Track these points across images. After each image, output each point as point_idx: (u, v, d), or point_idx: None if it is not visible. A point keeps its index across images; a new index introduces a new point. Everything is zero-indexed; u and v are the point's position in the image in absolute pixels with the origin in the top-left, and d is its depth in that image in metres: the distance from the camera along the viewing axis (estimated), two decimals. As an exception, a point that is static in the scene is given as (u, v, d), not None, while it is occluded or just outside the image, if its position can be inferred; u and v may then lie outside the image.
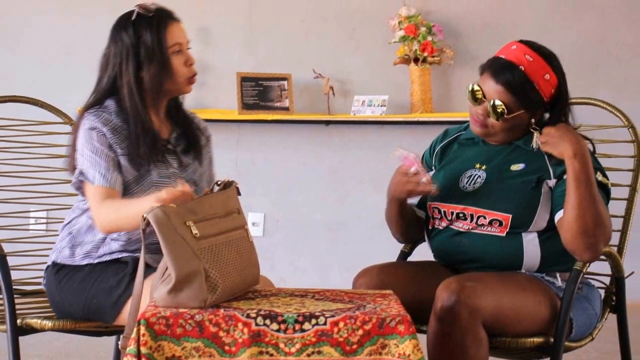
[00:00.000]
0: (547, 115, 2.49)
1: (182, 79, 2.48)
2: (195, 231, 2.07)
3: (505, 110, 2.42)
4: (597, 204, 2.34)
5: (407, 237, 2.69)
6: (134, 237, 2.45)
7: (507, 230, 2.43)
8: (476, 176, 2.50)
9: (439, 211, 2.53)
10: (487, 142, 2.54)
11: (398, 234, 2.67)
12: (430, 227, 2.58)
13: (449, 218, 2.50)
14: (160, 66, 2.43)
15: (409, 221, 2.64)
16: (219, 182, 2.22)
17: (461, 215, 2.48)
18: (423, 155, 2.69)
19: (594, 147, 2.50)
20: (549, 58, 2.44)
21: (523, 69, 2.41)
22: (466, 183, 2.50)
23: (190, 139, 2.57)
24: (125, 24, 2.46)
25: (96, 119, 2.42)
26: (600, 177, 2.42)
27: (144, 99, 2.45)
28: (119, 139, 2.43)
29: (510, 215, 2.42)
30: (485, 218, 2.44)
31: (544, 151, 2.42)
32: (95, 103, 2.48)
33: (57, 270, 2.51)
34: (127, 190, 2.44)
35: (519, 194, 2.39)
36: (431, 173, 2.61)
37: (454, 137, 2.65)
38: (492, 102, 2.43)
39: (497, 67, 2.43)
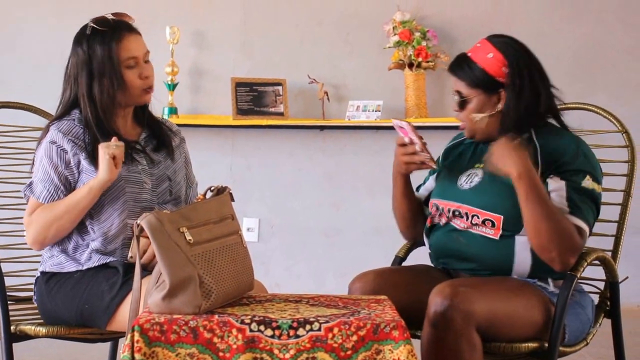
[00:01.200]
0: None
1: (136, 91, 2.53)
2: (189, 237, 2.07)
3: (461, 96, 2.49)
4: (552, 219, 2.33)
5: (412, 226, 2.68)
6: (109, 234, 2.49)
7: (500, 232, 2.44)
8: (474, 175, 2.52)
9: (437, 208, 2.54)
10: (487, 144, 2.56)
11: (402, 219, 2.67)
12: (429, 225, 2.59)
13: (447, 215, 2.52)
14: (111, 80, 2.49)
15: (414, 206, 2.64)
16: (212, 188, 2.23)
17: (457, 213, 2.49)
18: (438, 159, 2.70)
19: (588, 148, 2.50)
20: (498, 42, 2.50)
21: (469, 55, 2.51)
22: (464, 182, 2.53)
23: (159, 138, 2.62)
24: (80, 38, 2.54)
25: (58, 130, 2.50)
26: (588, 181, 2.42)
27: (103, 108, 2.50)
28: (81, 147, 2.49)
29: (502, 217, 2.42)
30: (478, 217, 2.45)
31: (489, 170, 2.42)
32: (62, 115, 2.56)
33: (47, 279, 2.52)
34: None
35: (511, 195, 2.39)
36: (435, 174, 2.64)
37: (461, 139, 2.68)
38: (453, 96, 2.52)
39: (452, 62, 2.55)
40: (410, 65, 4.70)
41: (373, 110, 4.69)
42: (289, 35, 4.89)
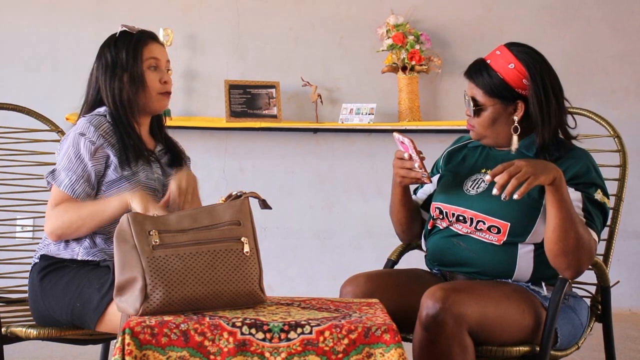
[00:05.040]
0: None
1: (154, 93, 2.59)
2: (155, 240, 2.07)
3: (477, 103, 2.48)
4: (580, 226, 2.34)
5: (408, 230, 2.69)
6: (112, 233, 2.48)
7: (504, 239, 2.44)
8: (480, 181, 2.52)
9: (441, 211, 2.54)
10: (493, 149, 2.56)
11: (398, 224, 2.68)
12: (429, 227, 2.60)
13: (450, 219, 2.52)
14: (132, 78, 2.56)
15: (411, 212, 2.65)
16: (233, 194, 2.23)
17: (461, 217, 2.49)
18: (436, 162, 2.70)
19: (596, 163, 2.51)
20: (519, 52, 2.47)
21: (489, 62, 2.49)
22: (470, 187, 2.52)
23: (173, 154, 2.70)
24: (109, 41, 2.62)
25: (89, 123, 2.53)
26: (599, 195, 2.44)
27: (126, 112, 2.57)
28: (110, 142, 2.52)
29: (509, 224, 2.42)
30: (484, 223, 2.45)
31: (521, 193, 2.27)
32: (90, 110, 2.61)
33: (42, 277, 2.51)
34: (116, 186, 2.52)
35: (521, 202, 2.38)
36: (436, 177, 2.65)
37: (463, 143, 2.68)
38: (466, 99, 2.50)
39: (470, 67, 2.52)
40: (404, 69, 4.71)
41: (366, 114, 4.70)
42: (283, 38, 4.89)
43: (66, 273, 2.49)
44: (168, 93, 2.64)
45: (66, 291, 2.46)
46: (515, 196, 2.25)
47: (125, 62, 2.56)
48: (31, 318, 2.62)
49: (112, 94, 2.57)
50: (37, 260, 2.56)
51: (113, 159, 2.51)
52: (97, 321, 2.39)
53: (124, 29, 2.61)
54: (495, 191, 2.26)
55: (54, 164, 2.57)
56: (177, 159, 2.69)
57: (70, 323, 2.48)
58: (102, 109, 2.59)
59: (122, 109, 2.57)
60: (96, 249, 2.50)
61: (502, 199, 2.27)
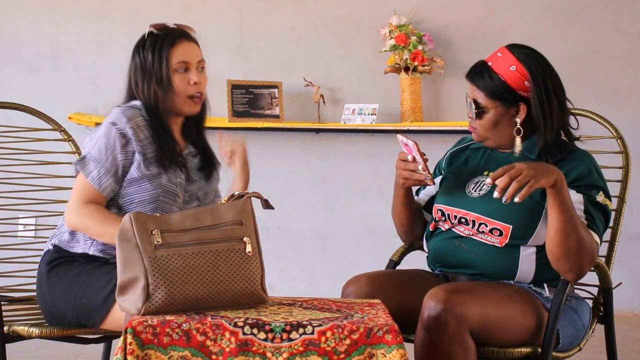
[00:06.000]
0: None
1: (181, 96, 2.57)
2: (157, 240, 2.07)
3: (479, 106, 2.47)
4: (581, 229, 2.33)
5: (410, 231, 2.69)
6: None
7: (507, 241, 2.44)
8: (482, 183, 2.51)
9: (443, 213, 2.54)
10: (495, 150, 2.56)
11: (400, 225, 2.68)
12: (431, 229, 2.60)
13: (452, 221, 2.52)
14: (159, 82, 2.54)
15: (413, 214, 2.65)
16: (235, 194, 2.23)
17: (463, 220, 2.49)
18: (438, 163, 2.70)
19: (598, 165, 2.50)
20: (521, 54, 2.47)
21: (490, 64, 2.48)
22: (472, 189, 2.52)
23: (205, 158, 2.67)
24: (139, 43, 2.60)
25: (123, 114, 2.52)
26: (601, 197, 2.43)
27: (160, 113, 2.56)
28: (139, 138, 2.51)
29: (511, 226, 2.42)
30: (486, 226, 2.45)
31: (522, 196, 2.26)
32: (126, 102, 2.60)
33: (50, 269, 2.51)
34: (137, 184, 2.51)
35: (522, 204, 2.38)
36: (438, 178, 2.65)
37: (466, 145, 2.68)
38: (467, 101, 2.49)
39: (472, 69, 2.52)
40: (406, 69, 4.71)
41: (368, 114, 4.70)
42: (285, 38, 4.89)
43: (73, 267, 2.49)
44: (199, 95, 2.60)
45: (72, 285, 2.46)
46: (516, 199, 2.25)
47: (152, 65, 2.55)
48: (33, 317, 2.63)
49: (144, 96, 2.56)
50: (50, 247, 2.56)
51: (137, 157, 2.50)
52: (103, 318, 2.39)
53: (152, 29, 2.58)
54: (496, 194, 2.26)
55: (56, 163, 2.57)
56: (207, 164, 2.66)
57: (75, 319, 2.49)
58: (137, 102, 2.57)
59: (156, 109, 2.55)
60: (109, 246, 2.49)
61: (503, 202, 2.27)
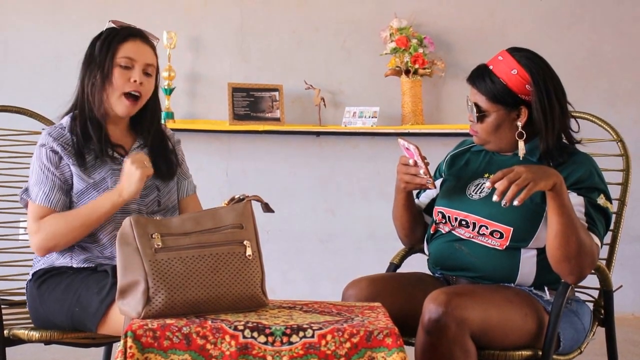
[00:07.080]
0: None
1: (118, 92, 2.51)
2: (158, 244, 2.07)
3: (480, 109, 2.47)
4: (581, 231, 2.33)
5: (411, 234, 2.69)
6: (100, 243, 2.50)
7: (507, 244, 2.43)
8: (483, 185, 2.51)
9: (443, 216, 2.54)
10: (496, 153, 2.56)
11: (401, 228, 2.68)
12: (432, 232, 2.60)
13: (453, 224, 2.51)
14: (100, 71, 2.50)
15: (413, 217, 2.65)
16: (235, 197, 2.23)
17: (464, 222, 2.49)
18: (438, 165, 2.70)
19: (599, 167, 2.50)
20: (522, 58, 2.47)
21: (491, 67, 2.48)
22: (473, 191, 2.52)
23: (157, 149, 2.58)
24: (95, 37, 2.57)
25: (48, 135, 2.51)
26: (602, 199, 2.43)
27: (93, 109, 2.51)
28: (70, 152, 2.49)
29: (512, 229, 2.42)
30: (487, 228, 2.45)
31: (521, 200, 2.26)
32: (59, 121, 2.58)
33: (39, 284, 2.51)
34: (86, 195, 2.49)
35: (523, 207, 2.37)
36: (439, 180, 2.65)
37: (467, 147, 2.67)
38: (469, 105, 2.49)
39: (473, 73, 2.51)
40: (407, 72, 4.71)
41: (369, 117, 4.70)
42: (286, 41, 4.90)
43: (64, 279, 2.48)
44: (135, 96, 2.50)
45: (65, 297, 2.45)
46: (516, 202, 2.25)
47: (98, 55, 2.51)
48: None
49: (82, 89, 2.53)
50: (30, 276, 2.56)
51: (74, 169, 2.48)
52: (98, 324, 2.39)
53: (112, 25, 2.54)
54: (495, 198, 2.26)
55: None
56: (158, 155, 2.56)
57: (71, 327, 2.48)
58: (64, 120, 2.55)
59: (90, 105, 2.50)
60: (90, 254, 2.49)
61: (502, 205, 2.26)
